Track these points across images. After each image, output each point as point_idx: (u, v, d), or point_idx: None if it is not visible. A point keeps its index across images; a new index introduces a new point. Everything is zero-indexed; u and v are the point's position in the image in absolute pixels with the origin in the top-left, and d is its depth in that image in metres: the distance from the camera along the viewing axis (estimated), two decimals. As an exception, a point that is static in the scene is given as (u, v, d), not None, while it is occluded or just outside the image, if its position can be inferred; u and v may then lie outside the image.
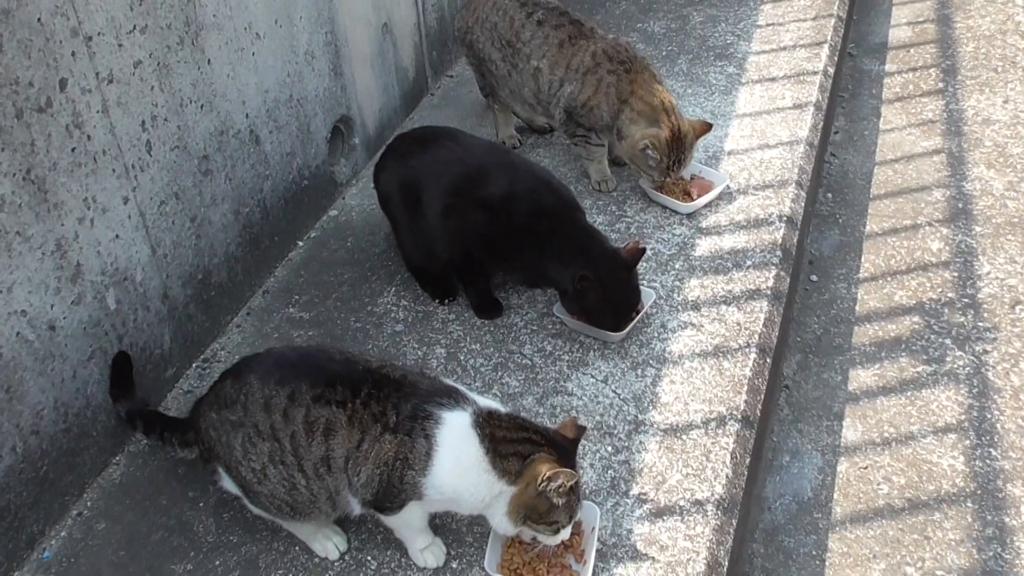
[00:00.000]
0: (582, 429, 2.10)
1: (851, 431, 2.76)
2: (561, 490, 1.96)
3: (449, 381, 2.13)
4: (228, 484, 2.19)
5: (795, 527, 2.54)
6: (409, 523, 2.13)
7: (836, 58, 4.22)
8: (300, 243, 3.27)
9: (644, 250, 2.66)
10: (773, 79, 3.99)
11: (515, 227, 2.69)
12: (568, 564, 2.14)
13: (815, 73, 3.99)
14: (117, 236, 2.41)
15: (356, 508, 2.10)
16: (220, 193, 2.80)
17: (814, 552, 2.46)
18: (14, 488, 2.20)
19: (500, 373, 2.68)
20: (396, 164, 2.93)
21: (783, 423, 2.84)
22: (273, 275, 3.13)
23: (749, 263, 3.01)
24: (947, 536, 2.45)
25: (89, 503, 2.39)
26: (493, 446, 1.98)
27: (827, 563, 2.43)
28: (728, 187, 3.35)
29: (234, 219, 2.89)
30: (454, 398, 2.04)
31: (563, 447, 2.05)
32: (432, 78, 4.18)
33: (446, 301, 2.95)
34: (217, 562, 2.24)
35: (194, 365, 2.78)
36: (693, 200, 3.24)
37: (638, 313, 2.74)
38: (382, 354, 2.74)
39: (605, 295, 2.63)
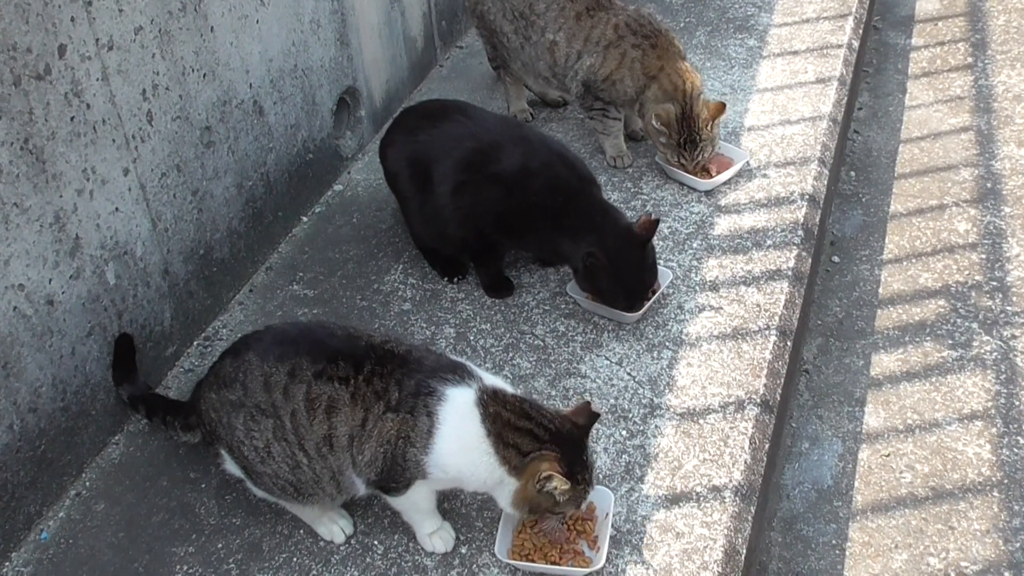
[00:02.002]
0: (595, 416, 2.08)
1: (873, 417, 2.77)
2: (557, 491, 1.97)
3: (456, 357, 2.13)
4: (231, 467, 2.20)
5: (814, 516, 2.55)
6: (417, 505, 2.14)
7: (861, 31, 4.20)
8: (304, 219, 3.28)
9: (657, 222, 2.65)
10: (795, 52, 3.97)
11: (530, 204, 2.69)
12: (581, 550, 2.15)
13: (839, 46, 3.97)
14: (117, 209, 2.42)
15: (361, 488, 2.11)
16: (223, 166, 2.80)
17: (834, 541, 2.47)
18: (11, 467, 2.21)
19: (511, 354, 2.69)
20: (404, 139, 2.93)
21: (803, 409, 2.84)
22: (277, 251, 3.14)
23: (769, 243, 3.01)
24: (972, 526, 2.45)
25: (88, 483, 2.41)
26: (496, 428, 1.98)
27: (847, 553, 2.44)
28: (748, 164, 3.34)
29: (237, 193, 2.89)
30: (459, 374, 2.04)
31: (570, 439, 2.03)
32: (441, 49, 4.17)
33: (455, 279, 2.96)
34: (219, 545, 2.25)
35: (195, 343, 2.79)
36: (711, 177, 3.24)
37: (654, 293, 2.74)
38: (389, 333, 2.73)
39: (616, 273, 2.63)
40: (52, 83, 2.17)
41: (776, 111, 3.63)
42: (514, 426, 1.99)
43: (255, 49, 2.88)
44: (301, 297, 2.94)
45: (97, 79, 2.29)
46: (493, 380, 2.08)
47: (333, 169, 3.43)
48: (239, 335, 2.64)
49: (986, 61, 4.28)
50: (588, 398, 2.51)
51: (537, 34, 3.33)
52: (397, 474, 2.04)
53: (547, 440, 2.00)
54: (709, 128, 3.15)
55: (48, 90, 2.16)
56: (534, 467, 1.96)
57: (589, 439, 2.07)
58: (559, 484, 1.95)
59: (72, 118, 2.24)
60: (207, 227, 2.78)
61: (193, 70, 2.62)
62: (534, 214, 2.69)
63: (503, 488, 2.02)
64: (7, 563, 2.23)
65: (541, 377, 2.60)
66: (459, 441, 1.99)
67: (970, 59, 4.32)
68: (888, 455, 2.66)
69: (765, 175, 3.31)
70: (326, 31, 3.23)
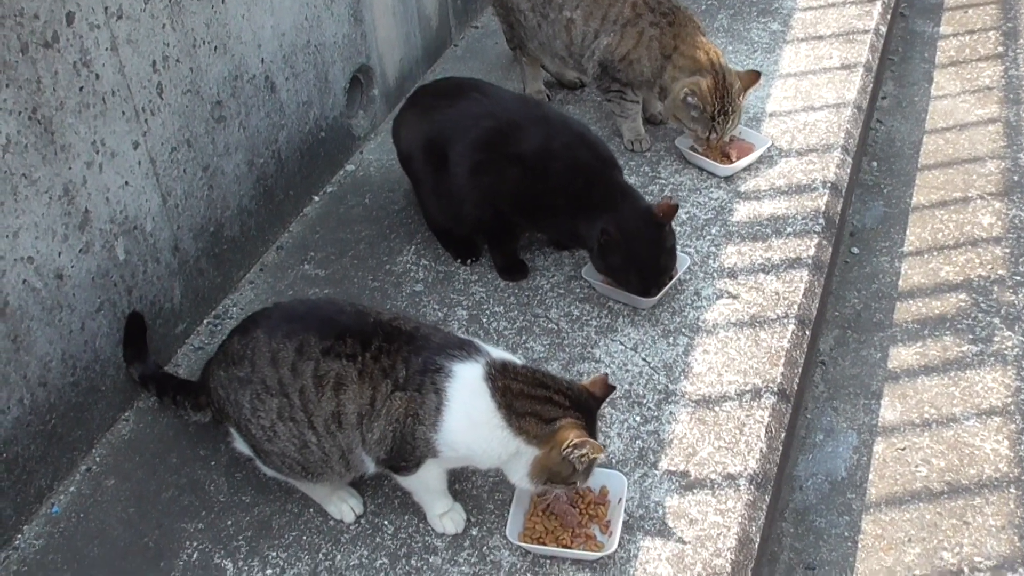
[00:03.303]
0: (611, 388, 2.15)
1: (889, 411, 2.81)
2: (584, 460, 2.02)
3: (464, 335, 2.17)
4: (240, 445, 2.26)
5: (827, 507, 2.59)
6: (427, 485, 2.19)
7: (888, 17, 4.23)
8: (316, 198, 3.33)
9: (676, 207, 2.69)
10: (820, 37, 4.01)
11: (550, 185, 2.73)
12: (593, 534, 2.20)
13: (865, 32, 4.01)
14: (126, 183, 2.47)
15: (370, 467, 2.17)
16: (233, 142, 2.85)
17: (846, 533, 2.52)
18: (22, 441, 2.27)
19: (524, 337, 2.74)
20: (419, 118, 2.97)
21: (818, 400, 2.89)
22: (287, 231, 3.19)
23: (789, 230, 3.04)
24: (987, 522, 2.50)
25: (98, 459, 2.47)
26: (506, 401, 2.03)
27: (859, 545, 2.48)
28: (769, 150, 3.38)
29: (248, 170, 2.94)
30: (466, 350, 2.08)
31: (587, 407, 2.09)
32: (456, 28, 4.21)
33: (468, 262, 3.00)
34: (229, 522, 2.31)
35: (205, 321, 2.85)
36: (732, 162, 3.28)
37: (671, 279, 2.78)
38: (398, 311, 2.76)
39: (632, 253, 2.67)
40: (60, 52, 2.21)
41: (799, 97, 3.67)
42: (529, 396, 2.04)
43: (267, 23, 2.92)
44: (312, 277, 2.99)
45: (106, 49, 2.33)
46: (502, 354, 2.12)
47: (345, 148, 3.48)
48: (249, 314, 2.70)
49: (1017, 51, 4.31)
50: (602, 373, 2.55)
51: (554, 11, 3.37)
52: (407, 453, 2.09)
53: (568, 407, 2.05)
54: (741, 99, 3.19)
55: (56, 59, 2.20)
56: (562, 434, 2.00)
57: (600, 413, 2.12)
58: (591, 451, 1.99)
59: (81, 88, 2.28)
60: (217, 204, 2.83)
61: (204, 42, 2.66)
62: (554, 195, 2.73)
63: (519, 460, 2.06)
64: (19, 536, 2.30)
65: (555, 361, 2.65)
66: (468, 417, 2.03)
67: (1000, 48, 4.34)
68: (904, 449, 2.70)
69: (787, 161, 3.35)
70: (339, 6, 3.27)
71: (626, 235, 2.64)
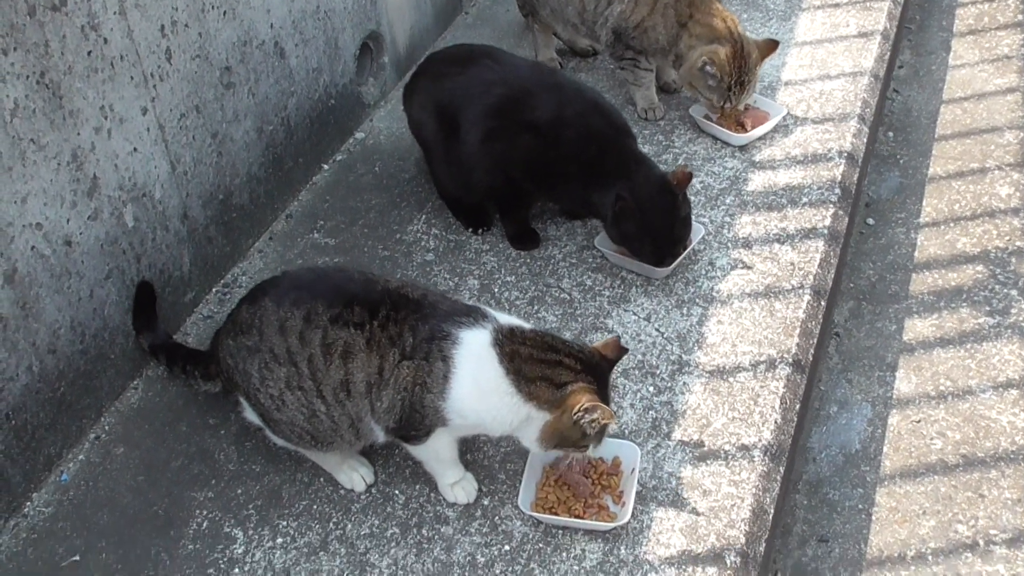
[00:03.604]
0: (623, 350, 2.15)
1: (904, 383, 2.80)
2: (595, 425, 2.01)
3: (471, 302, 2.16)
4: (250, 415, 2.26)
5: (841, 480, 2.59)
6: (438, 454, 2.19)
7: (905, -16, 4.20)
8: (325, 166, 3.31)
9: (691, 175, 2.68)
10: (836, 4, 3.97)
11: (563, 153, 2.71)
12: (606, 505, 2.20)
13: (882, -1, 3.98)
14: (135, 149, 2.46)
15: (380, 436, 2.16)
16: (243, 108, 2.84)
17: (860, 506, 2.52)
18: (31, 408, 2.27)
19: (536, 307, 2.73)
20: (430, 85, 2.95)
21: (832, 372, 2.88)
22: (297, 199, 3.18)
23: (805, 200, 3.03)
24: (1003, 495, 2.49)
25: (107, 427, 2.48)
26: (515, 366, 2.02)
27: (873, 518, 2.48)
28: (785, 119, 3.36)
29: (257, 137, 2.93)
30: (473, 317, 2.07)
31: (600, 371, 2.08)
32: (467, -6, 4.19)
33: (480, 231, 2.99)
34: (239, 491, 2.32)
35: (214, 290, 2.85)
36: (747, 131, 3.26)
37: (685, 248, 2.77)
38: (406, 279, 2.74)
39: (646, 221, 2.66)
40: (68, 15, 2.19)
41: (815, 65, 3.64)
42: (539, 360, 2.03)
43: (278, -12, 2.90)
44: (322, 246, 2.99)
45: (114, 12, 2.32)
46: (509, 319, 2.11)
47: (355, 116, 3.46)
48: (257, 283, 2.70)
49: (1036, 19, 4.27)
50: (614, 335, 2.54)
51: (567, -23, 3.35)
52: (416, 422, 2.09)
53: (580, 371, 2.04)
54: (757, 69, 3.17)
55: (64, 22, 2.18)
56: (574, 398, 2.00)
57: (613, 374, 2.11)
58: (602, 416, 1.98)
59: (89, 52, 2.27)
60: (226, 171, 2.82)
61: (213, 7, 2.65)
62: (567, 164, 2.72)
63: (530, 425, 2.05)
64: (28, 503, 2.30)
65: (567, 331, 2.64)
66: (477, 384, 2.03)
67: (1020, 16, 4.29)
68: (919, 421, 2.69)
69: (802, 131, 3.33)
70: (350, -28, 3.25)
71: (640, 203, 2.63)
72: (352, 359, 2.06)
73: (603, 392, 2.07)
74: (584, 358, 2.07)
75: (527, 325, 2.11)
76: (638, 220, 2.65)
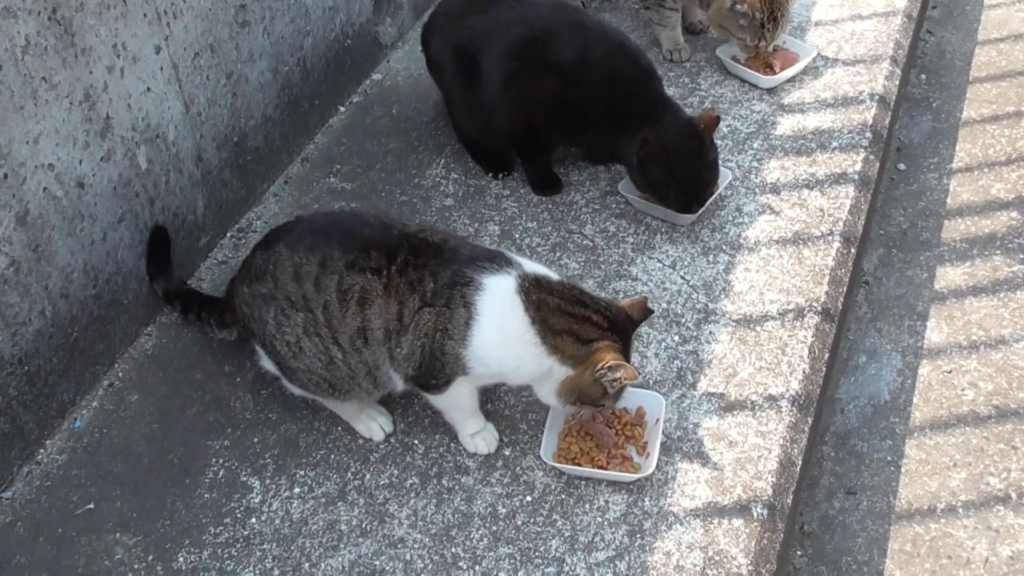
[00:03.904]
0: (649, 312, 2.12)
1: (935, 332, 2.76)
2: (616, 384, 1.99)
3: (493, 247, 2.13)
4: (267, 364, 2.24)
5: (869, 431, 2.56)
6: (458, 403, 2.16)
7: (939, -78, 4.10)
8: (342, 108, 3.27)
9: (719, 119, 2.64)
10: (868, -57, 3.89)
11: (587, 96, 2.67)
12: (629, 456, 2.18)
13: (916, -63, 3.88)
14: (148, 89, 2.42)
15: (399, 384, 2.14)
16: (258, 48, 2.79)
17: (889, 458, 2.49)
18: (44, 353, 2.25)
19: (558, 254, 2.70)
20: (449, 25, 2.90)
21: (860, 321, 2.84)
22: (313, 142, 3.14)
23: (835, 144, 2.99)
24: (1036, 447, 2.46)
25: (120, 374, 2.46)
26: (541, 316, 1.99)
27: (902, 470, 2.46)
28: (814, 60, 3.30)
29: (272, 78, 2.88)
30: (497, 262, 2.04)
31: (624, 330, 2.06)
32: (486, -68, 4.10)
33: (500, 176, 2.95)
34: (255, 439, 2.30)
35: (228, 235, 2.82)
36: (775, 73, 3.20)
37: (712, 194, 2.73)
38: (425, 223, 2.71)
39: (672, 166, 2.62)
40: (80, -51, 2.15)
41: (846, 5, 3.57)
42: (567, 312, 2.00)
43: (292, -77, 2.84)
44: (338, 190, 2.95)
45: (128, -53, 2.27)
46: (535, 267, 2.08)
47: (372, 57, 3.41)
48: (272, 228, 2.67)
49: (1073, -42, 4.17)
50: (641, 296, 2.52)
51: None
52: (436, 369, 2.06)
53: (606, 328, 2.01)
54: (789, 3, 3.11)
55: (76, -44, 2.14)
56: (599, 356, 1.97)
57: (636, 333, 2.10)
58: (625, 375, 1.97)
59: (101, -12, 2.22)
60: (241, 113, 2.78)
61: (228, -57, 2.60)
62: (591, 107, 2.67)
63: (550, 378, 2.03)
64: (42, 450, 2.29)
65: (589, 278, 2.61)
66: (500, 332, 2.00)
67: (1056, -45, 4.20)
68: (950, 371, 2.66)
69: (833, 72, 3.27)
70: (367, -93, 3.19)
71: (667, 148, 2.59)
72: (369, 305, 2.03)
73: (626, 352, 2.05)
74: (611, 316, 2.04)
75: (554, 275, 2.08)
76: (664, 165, 2.61)
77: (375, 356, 2.08)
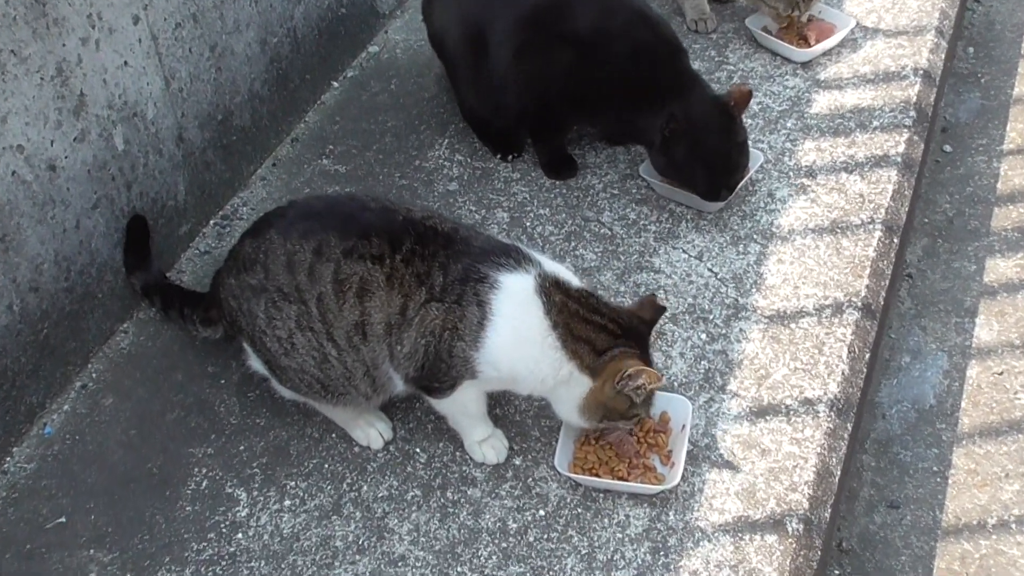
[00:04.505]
0: (661, 310, 2.12)
1: (985, 330, 2.75)
2: (641, 391, 1.99)
3: (508, 240, 2.13)
4: (255, 364, 2.23)
5: (913, 438, 2.55)
6: (464, 408, 2.15)
7: None
8: (335, 84, 3.27)
9: (751, 94, 2.63)
10: (911, -97, 3.87)
11: (607, 70, 2.66)
12: (652, 466, 2.16)
13: None
14: (126, 63, 2.41)
15: (399, 386, 2.13)
16: (244, 18, 2.78)
17: (935, 468, 2.48)
18: (11, 352, 2.25)
19: (573, 244, 2.69)
20: (454, -9, 2.90)
21: (903, 318, 2.83)
22: (304, 120, 3.13)
23: (875, 124, 2.98)
24: (1096, 456, 2.46)
25: (94, 375, 2.45)
26: (563, 320, 1.99)
27: (949, 481, 2.45)
28: (853, 32, 3.29)
29: (260, 50, 2.87)
30: (514, 258, 2.03)
31: (638, 334, 2.06)
32: None
33: (510, 157, 2.95)
34: (241, 447, 2.29)
35: (212, 222, 2.81)
36: (810, 46, 3.19)
37: (741, 178, 2.72)
38: (431, 209, 2.70)
39: (700, 146, 2.60)
40: (52, -92, 2.14)
41: (887, -29, 3.56)
42: (584, 319, 2.00)
43: None
44: (331, 173, 2.95)
45: (103, -94, 2.27)
46: (554, 266, 2.08)
47: (368, 27, 3.40)
48: (261, 215, 2.66)
49: None
50: (662, 295, 2.52)
51: None
52: (441, 372, 2.05)
53: (620, 335, 2.01)
54: None
55: (47, -84, 2.14)
56: (616, 365, 1.97)
57: (653, 335, 2.09)
58: (648, 380, 1.96)
59: (75, -48, 2.22)
60: (226, 89, 2.77)
61: (212, -99, 2.59)
62: (610, 82, 2.66)
63: (568, 389, 2.03)
64: (8, 458, 2.28)
65: (608, 271, 2.61)
66: (517, 334, 1.99)
67: (1115, -83, 4.18)
68: (1001, 373, 2.65)
69: (873, 45, 3.27)
70: None
71: (694, 126, 2.58)
72: (369, 297, 2.02)
73: (644, 356, 2.05)
74: (624, 322, 2.05)
75: (573, 280, 2.08)
76: (691, 145, 2.60)
77: (374, 353, 2.07)
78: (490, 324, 1.99)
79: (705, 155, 2.63)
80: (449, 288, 2.00)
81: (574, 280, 2.08)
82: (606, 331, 2.01)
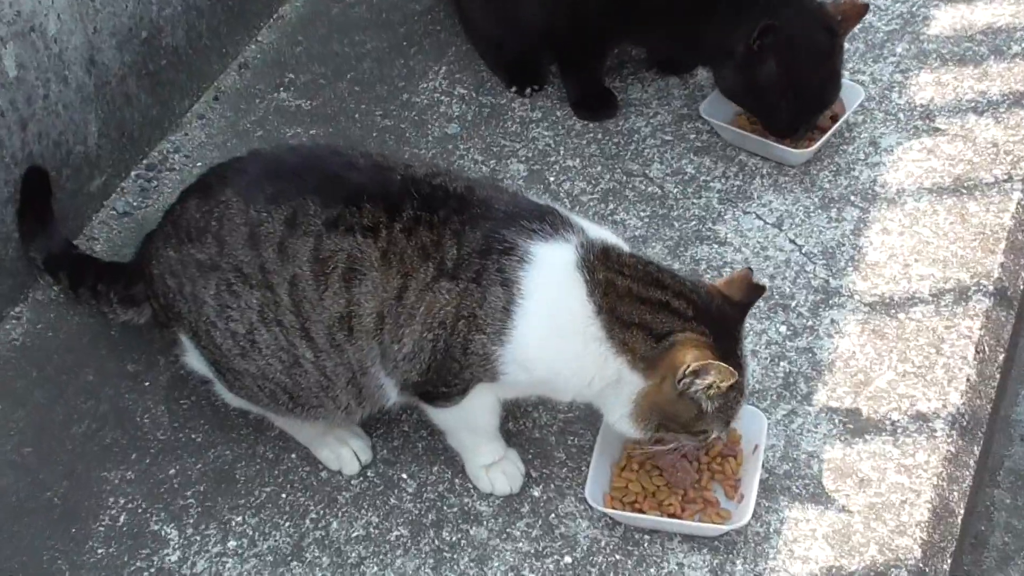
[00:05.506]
0: (759, 290, 2.10)
1: None
2: (712, 392, 1.96)
3: (541, 199, 2.12)
4: (195, 361, 2.24)
5: (1061, 468, 2.58)
6: (473, 420, 2.16)
7: None
8: (297, -9, 3.30)
9: (866, 7, 2.65)
10: None
11: None
12: (714, 499, 2.17)
13: None
14: (19, -39, 2.43)
15: (392, 395, 2.14)
16: (176, -100, 2.81)
17: (1089, 507, 2.51)
18: None
19: (611, 205, 2.71)
20: None
21: (1050, 308, 2.85)
22: (255, 40, 3.16)
23: (1015, 50, 2.99)
24: None
25: (-25, 374, 2.48)
26: (609, 303, 1.97)
27: (1110, 525, 2.47)
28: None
29: (197, -55, 2.90)
30: (549, 223, 2.03)
31: (721, 318, 2.04)
32: None
33: (528, 91, 2.97)
34: (172, 471, 2.30)
35: (133, 173, 2.84)
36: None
37: (835, 120, 2.73)
38: (437, 164, 2.73)
39: (793, 70, 2.61)
40: None
41: None
42: (640, 298, 1.99)
43: None
44: (291, 110, 2.97)
45: None
46: (601, 232, 2.07)
47: (341, -83, 3.41)
48: (201, 164, 2.67)
49: None
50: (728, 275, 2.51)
51: None
52: (452, 374, 2.05)
53: (692, 318, 1.99)
54: None
55: None
56: (676, 356, 1.95)
57: (744, 325, 2.08)
58: (718, 377, 1.93)
59: None
60: (152, -2, 2.80)
61: None
62: None
63: (619, 392, 2.02)
64: None
65: (656, 241, 2.62)
66: (552, 322, 1.99)
67: None
68: None
69: (1010, -54, 3.28)
70: None
71: (793, 42, 2.59)
72: (359, 281, 2.02)
73: (726, 348, 2.00)
74: (699, 300, 2.02)
75: (624, 245, 2.07)
76: (784, 66, 2.61)
77: (362, 355, 2.07)
78: (518, 310, 1.98)
79: (797, 80, 2.63)
80: (465, 262, 1.99)
81: (626, 248, 2.07)
82: (669, 310, 1.99)
